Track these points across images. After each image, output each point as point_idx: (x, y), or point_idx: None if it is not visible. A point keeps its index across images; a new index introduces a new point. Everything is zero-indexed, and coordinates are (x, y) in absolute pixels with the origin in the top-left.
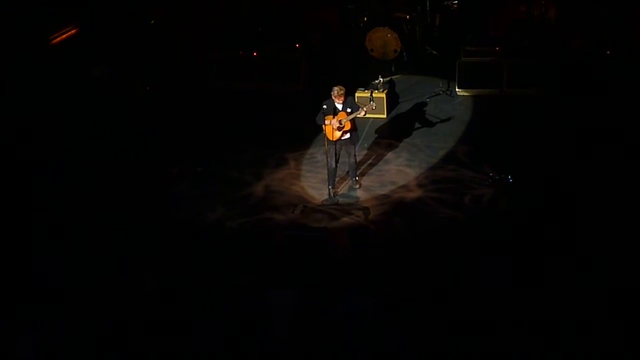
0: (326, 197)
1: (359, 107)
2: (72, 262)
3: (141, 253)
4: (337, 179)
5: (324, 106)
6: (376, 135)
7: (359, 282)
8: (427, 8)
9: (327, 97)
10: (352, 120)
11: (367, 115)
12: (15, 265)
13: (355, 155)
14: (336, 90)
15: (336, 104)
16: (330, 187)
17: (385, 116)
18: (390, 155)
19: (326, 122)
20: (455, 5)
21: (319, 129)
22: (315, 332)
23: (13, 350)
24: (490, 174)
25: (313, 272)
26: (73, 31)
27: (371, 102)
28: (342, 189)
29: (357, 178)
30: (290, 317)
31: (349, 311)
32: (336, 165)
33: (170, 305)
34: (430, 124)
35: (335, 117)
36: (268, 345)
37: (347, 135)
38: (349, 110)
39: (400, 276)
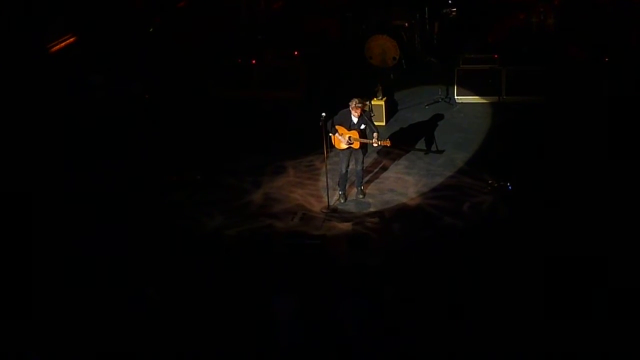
0: (331, 202)
1: (374, 130)
2: (69, 270)
3: (140, 261)
4: (347, 184)
5: (323, 114)
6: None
7: (358, 290)
8: (426, 16)
9: (326, 104)
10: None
11: None
12: (15, 271)
13: (362, 163)
14: (354, 102)
15: (352, 116)
16: (340, 192)
17: (384, 123)
18: (389, 162)
19: (336, 132)
20: (454, 13)
21: (317, 137)
22: (315, 338)
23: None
24: (490, 181)
25: (312, 280)
26: (72, 39)
27: (387, 139)
28: (348, 197)
29: (362, 187)
30: (291, 324)
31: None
32: (346, 171)
33: (169, 313)
34: (429, 132)
35: (348, 130)
36: (269, 351)
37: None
38: (362, 127)
39: (399, 284)
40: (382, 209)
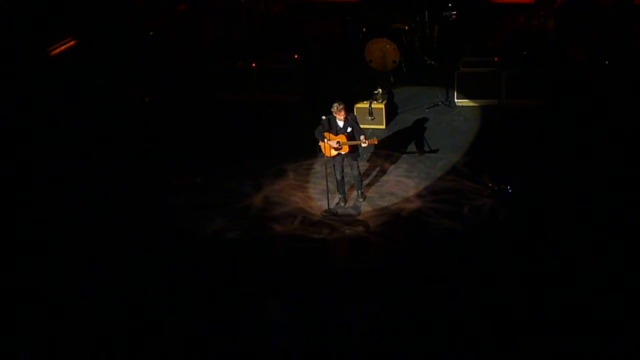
0: (331, 205)
1: (361, 132)
2: (70, 273)
3: (141, 264)
4: (346, 188)
5: (323, 117)
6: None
7: (358, 293)
8: (426, 19)
9: (326, 108)
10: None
11: (367, 126)
12: (14, 274)
13: (358, 168)
14: (335, 106)
15: (337, 120)
16: (340, 195)
17: (384, 127)
18: (389, 166)
19: (325, 139)
20: (454, 16)
21: (317, 140)
22: (313, 342)
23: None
24: (490, 185)
25: (312, 283)
26: (72, 42)
27: (374, 137)
28: (348, 201)
29: (362, 191)
30: (288, 328)
31: (348, 321)
32: (342, 177)
33: (170, 315)
34: (429, 135)
35: (335, 135)
36: (267, 356)
37: (345, 152)
38: (349, 130)
39: (399, 287)
40: (383, 212)
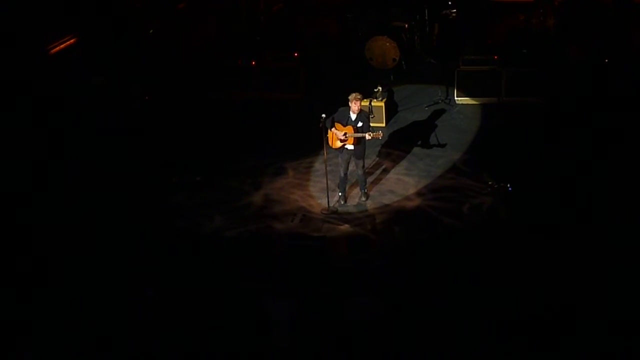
0: (331, 204)
1: (368, 128)
2: (71, 271)
3: (140, 262)
4: (347, 187)
5: (323, 115)
6: (375, 144)
7: (359, 291)
8: (426, 17)
9: (325, 106)
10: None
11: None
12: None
13: (363, 167)
14: (354, 95)
15: (351, 113)
16: (340, 193)
17: (384, 125)
18: (389, 164)
19: (333, 128)
20: (453, 14)
21: (317, 138)
22: (315, 341)
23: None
24: (490, 183)
25: (312, 281)
26: (72, 41)
27: (379, 131)
28: (348, 199)
29: (365, 191)
30: (290, 327)
31: (351, 318)
32: (345, 174)
33: (168, 314)
34: (429, 133)
35: (344, 127)
36: (267, 354)
37: (350, 147)
38: (359, 124)
39: (399, 285)
40: (382, 211)
